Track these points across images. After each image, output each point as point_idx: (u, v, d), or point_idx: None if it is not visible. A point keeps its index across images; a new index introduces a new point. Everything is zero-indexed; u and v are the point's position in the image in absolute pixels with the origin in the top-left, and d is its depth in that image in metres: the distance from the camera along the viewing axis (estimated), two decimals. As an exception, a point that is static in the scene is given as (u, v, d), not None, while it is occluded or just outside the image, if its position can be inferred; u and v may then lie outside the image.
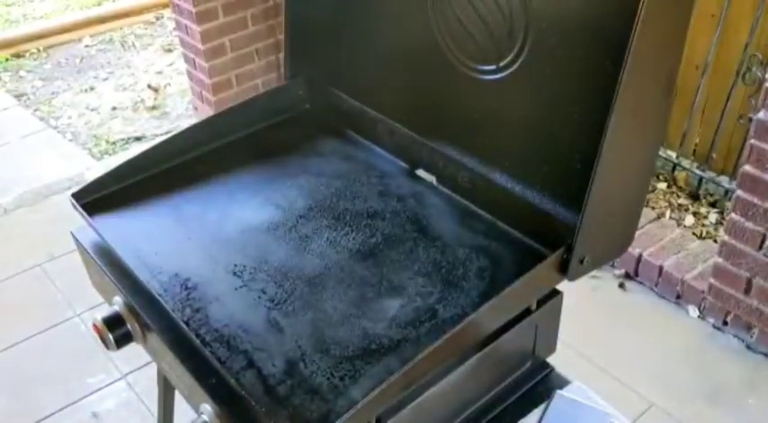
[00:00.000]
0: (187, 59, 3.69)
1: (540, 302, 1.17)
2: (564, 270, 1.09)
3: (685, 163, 3.03)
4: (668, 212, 2.91)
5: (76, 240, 1.32)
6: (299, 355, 1.04)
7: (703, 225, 2.87)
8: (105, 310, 1.23)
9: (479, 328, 1.07)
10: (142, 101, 4.20)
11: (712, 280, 2.49)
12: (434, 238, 1.24)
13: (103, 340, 1.23)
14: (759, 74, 2.63)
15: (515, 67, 1.16)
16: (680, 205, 2.98)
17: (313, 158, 1.46)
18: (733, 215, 2.33)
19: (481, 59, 1.21)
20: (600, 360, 2.44)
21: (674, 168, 3.07)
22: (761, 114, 2.16)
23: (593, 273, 1.38)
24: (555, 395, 1.22)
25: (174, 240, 1.25)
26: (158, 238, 1.24)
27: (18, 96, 4.34)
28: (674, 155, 3.04)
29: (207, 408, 1.04)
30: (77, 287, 1.90)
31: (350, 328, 1.08)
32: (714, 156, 2.93)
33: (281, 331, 1.08)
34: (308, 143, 1.50)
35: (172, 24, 4.41)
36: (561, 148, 1.14)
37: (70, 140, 3.90)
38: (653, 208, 2.94)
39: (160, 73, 4.49)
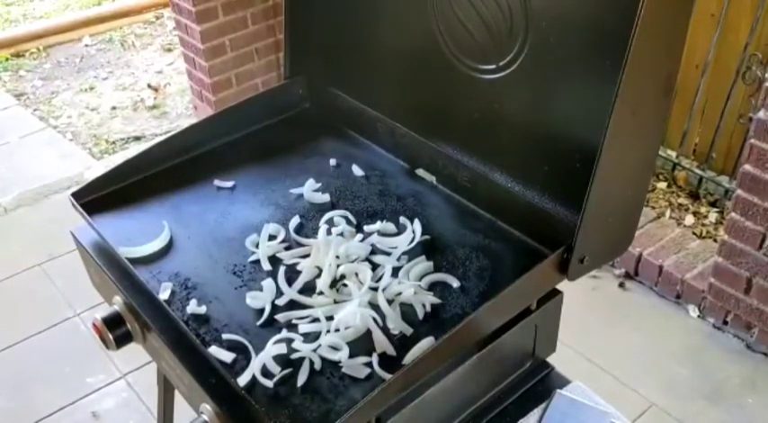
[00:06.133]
0: (187, 59, 3.69)
1: (540, 302, 1.17)
2: (564, 270, 1.09)
3: (685, 162, 3.03)
4: (668, 212, 2.91)
5: (76, 240, 1.32)
6: (299, 354, 1.04)
7: (703, 225, 2.87)
8: (105, 310, 1.23)
9: (479, 328, 1.07)
10: (142, 100, 4.20)
11: (712, 279, 2.49)
12: (434, 238, 1.24)
13: (103, 340, 1.23)
14: (759, 73, 2.63)
15: (515, 66, 1.16)
16: (680, 205, 2.98)
17: (313, 158, 1.46)
18: (733, 215, 2.33)
19: (481, 59, 1.21)
20: (600, 360, 2.44)
21: (673, 168, 3.07)
22: (761, 114, 2.16)
23: (593, 273, 1.38)
24: (555, 395, 1.22)
25: (174, 240, 1.25)
26: (158, 237, 1.24)
27: (18, 96, 4.34)
28: (673, 154, 3.04)
29: (207, 408, 1.04)
30: (77, 287, 1.90)
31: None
32: (714, 155, 2.93)
33: (280, 330, 1.08)
34: (308, 143, 1.50)
35: (172, 24, 4.41)
36: (561, 147, 1.14)
37: (70, 140, 3.90)
38: (653, 208, 2.94)
39: (160, 72, 4.49)
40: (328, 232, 1.25)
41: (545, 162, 1.18)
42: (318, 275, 1.17)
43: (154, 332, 1.15)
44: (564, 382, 1.26)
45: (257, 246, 1.23)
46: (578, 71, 1.10)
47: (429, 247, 1.22)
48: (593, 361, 2.44)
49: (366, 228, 1.26)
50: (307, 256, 1.21)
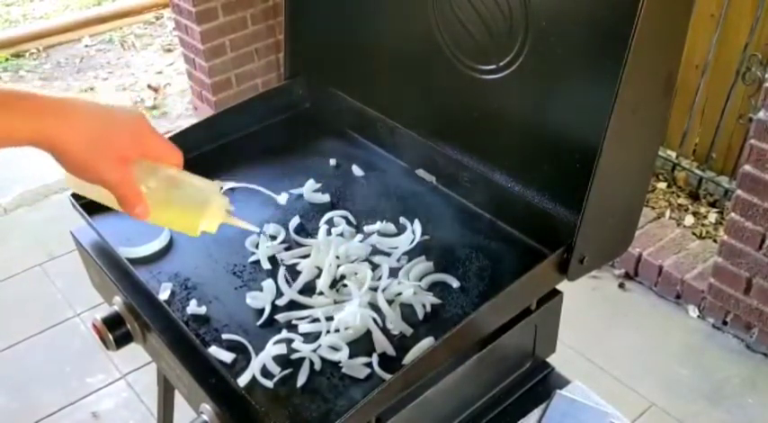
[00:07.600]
0: (187, 59, 3.69)
1: (540, 302, 1.17)
2: (564, 270, 1.09)
3: (685, 163, 3.03)
4: (668, 212, 2.91)
5: (76, 240, 1.32)
6: (299, 355, 1.04)
7: (703, 225, 2.87)
8: (105, 310, 1.23)
9: (479, 328, 1.07)
10: (142, 101, 4.20)
11: (712, 280, 2.49)
12: (434, 238, 1.24)
13: (103, 340, 1.23)
14: (759, 74, 2.63)
15: (515, 66, 1.16)
16: (680, 205, 2.98)
17: (313, 158, 1.45)
18: (733, 215, 2.33)
19: (481, 59, 1.21)
20: (600, 360, 2.44)
21: (673, 168, 3.07)
22: (761, 114, 2.16)
23: (593, 273, 1.38)
24: (555, 395, 1.22)
25: (173, 240, 1.25)
26: (158, 237, 1.24)
27: (18, 96, 4.33)
28: (673, 155, 3.04)
29: (207, 408, 1.04)
30: (77, 287, 1.90)
31: (350, 328, 1.08)
32: (714, 155, 2.93)
33: (280, 331, 1.08)
34: (308, 143, 1.50)
35: (172, 24, 4.41)
36: (561, 147, 1.14)
37: (70, 140, 3.89)
38: (653, 208, 2.94)
39: (160, 73, 4.49)
40: (328, 232, 1.25)
41: (545, 162, 1.18)
42: (318, 276, 1.17)
43: (154, 332, 1.15)
44: (564, 383, 1.26)
45: (257, 246, 1.23)
46: (578, 71, 1.10)
47: (429, 248, 1.22)
48: (593, 361, 2.44)
49: (366, 228, 1.26)
50: (307, 256, 1.21)
